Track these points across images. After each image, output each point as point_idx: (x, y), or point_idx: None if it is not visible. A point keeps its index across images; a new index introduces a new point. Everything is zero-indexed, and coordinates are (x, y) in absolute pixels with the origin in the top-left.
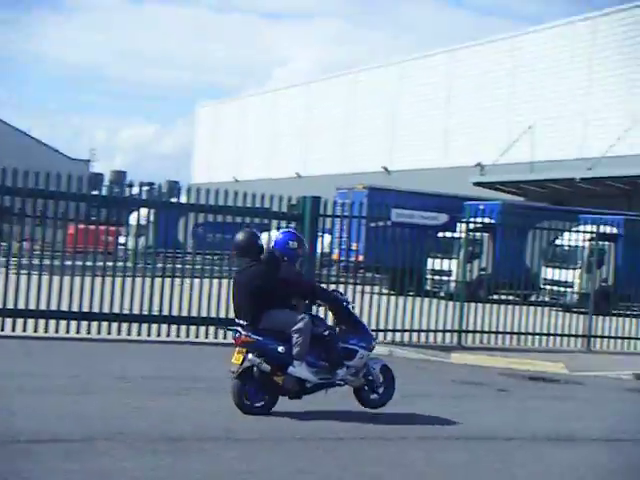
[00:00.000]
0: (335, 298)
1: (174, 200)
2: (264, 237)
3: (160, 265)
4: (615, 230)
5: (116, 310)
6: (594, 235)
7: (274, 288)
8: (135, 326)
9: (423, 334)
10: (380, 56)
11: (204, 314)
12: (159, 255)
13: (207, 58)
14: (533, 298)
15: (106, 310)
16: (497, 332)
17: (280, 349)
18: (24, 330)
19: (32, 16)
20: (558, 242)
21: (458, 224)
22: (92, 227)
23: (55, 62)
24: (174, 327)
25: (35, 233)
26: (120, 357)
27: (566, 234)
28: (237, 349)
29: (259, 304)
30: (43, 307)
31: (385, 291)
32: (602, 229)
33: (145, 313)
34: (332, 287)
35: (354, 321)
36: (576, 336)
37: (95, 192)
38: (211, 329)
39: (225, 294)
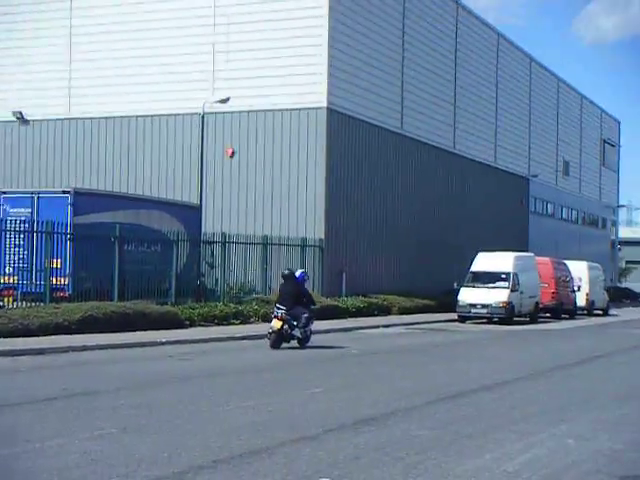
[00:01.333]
0: (313, 301)
1: None
2: None
3: None
4: None
5: None
6: None
7: (300, 294)
8: None
9: None
10: None
11: None
12: None
13: None
14: None
15: None
16: None
17: (294, 323)
18: None
19: None
20: None
21: None
22: None
23: None
24: None
25: None
26: None
27: None
28: (276, 320)
29: (293, 301)
30: None
31: None
32: None
33: None
34: None
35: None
36: None
37: None
38: None
39: None
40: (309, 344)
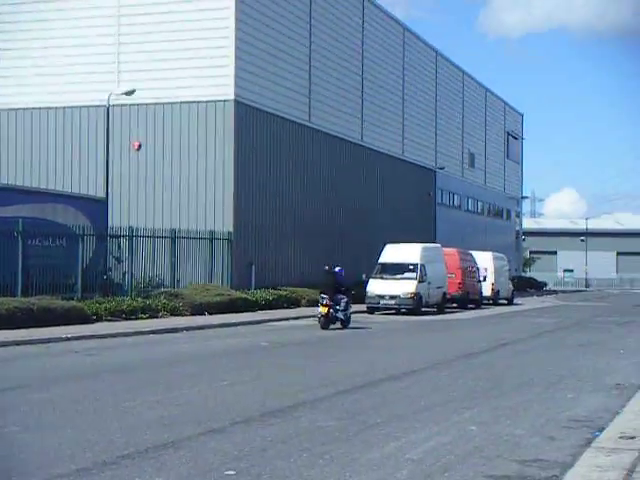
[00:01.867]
0: (349, 289)
1: None
2: None
3: None
4: None
5: None
6: None
7: (339, 285)
8: None
9: None
10: None
11: None
12: None
13: None
14: None
15: None
16: None
17: (337, 307)
18: None
19: None
20: None
21: None
22: None
23: None
24: None
25: None
26: None
27: None
28: (322, 307)
29: (333, 291)
30: None
31: None
32: None
33: None
34: None
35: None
36: None
37: None
38: None
39: None
40: (350, 325)
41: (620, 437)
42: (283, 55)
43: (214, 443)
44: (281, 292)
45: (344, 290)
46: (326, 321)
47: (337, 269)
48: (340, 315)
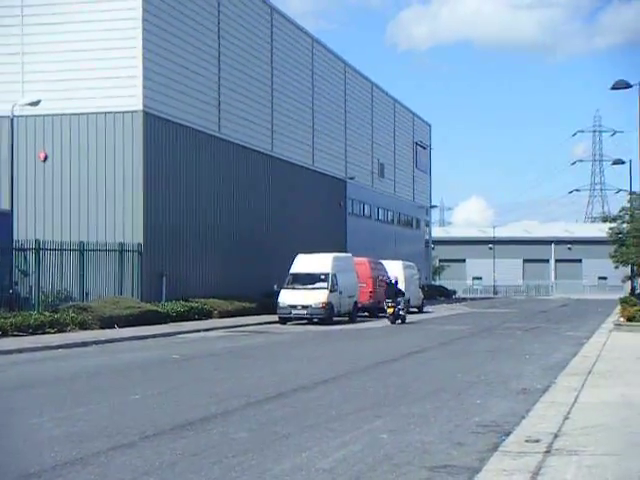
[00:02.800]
0: (403, 294)
1: None
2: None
3: None
4: None
5: None
6: None
7: (396, 292)
8: None
9: None
10: None
11: None
12: None
13: None
14: None
15: None
16: None
17: (398, 307)
18: None
19: None
20: None
21: None
22: None
23: None
24: None
25: None
26: None
27: None
28: (389, 308)
29: (394, 296)
30: None
31: None
32: None
33: None
34: None
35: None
36: None
37: None
38: None
39: None
40: (408, 321)
41: (526, 441)
42: (192, 66)
43: (124, 458)
44: (192, 304)
45: (401, 295)
46: (393, 318)
47: (394, 281)
48: (402, 313)
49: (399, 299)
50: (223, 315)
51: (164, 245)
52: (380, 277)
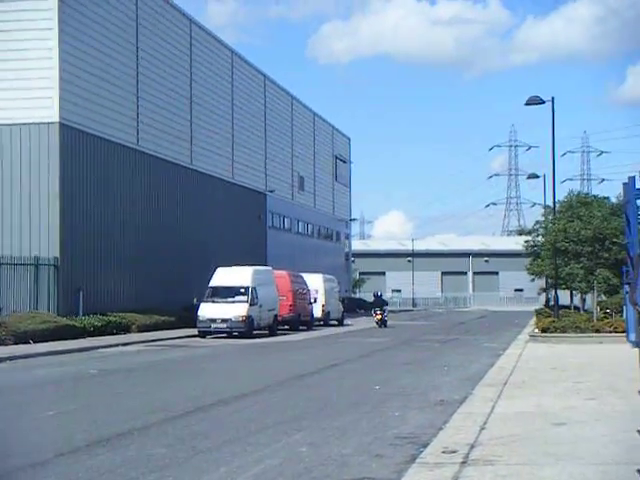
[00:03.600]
0: (387, 304)
1: None
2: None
3: None
4: None
5: None
6: None
7: (383, 302)
8: None
9: None
10: None
11: None
12: None
13: None
14: None
15: None
16: None
17: (384, 315)
18: None
19: None
20: None
21: None
22: None
23: None
24: None
25: None
26: None
27: None
28: (377, 315)
29: (382, 305)
30: None
31: None
32: None
33: None
34: None
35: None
36: None
37: None
38: None
39: None
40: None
41: (443, 452)
42: (110, 77)
43: (37, 477)
44: (110, 318)
45: (385, 305)
46: (380, 324)
47: (379, 294)
48: (386, 319)
49: (385, 307)
50: (142, 329)
51: (81, 259)
52: (300, 290)
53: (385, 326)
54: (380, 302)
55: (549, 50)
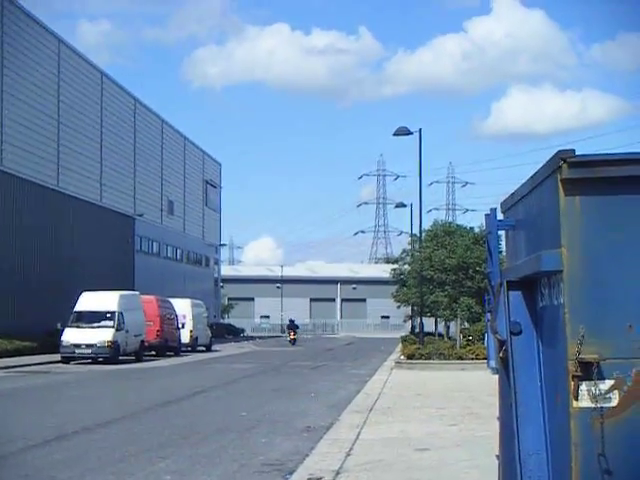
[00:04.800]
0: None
1: None
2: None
3: None
4: None
5: None
6: None
7: (295, 326)
8: None
9: None
10: None
11: None
12: None
13: None
14: None
15: None
16: None
17: (295, 336)
18: None
19: None
20: None
21: None
22: None
23: None
24: None
25: None
26: None
27: None
28: (291, 336)
29: (294, 328)
30: None
31: None
32: None
33: None
34: None
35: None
36: None
37: None
38: None
39: None
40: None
41: (309, 479)
42: None
43: None
44: None
45: (296, 328)
46: (293, 342)
47: (292, 320)
48: (295, 338)
49: (297, 330)
50: (1, 355)
51: None
52: (167, 316)
53: (293, 344)
54: (293, 326)
55: (418, 82)
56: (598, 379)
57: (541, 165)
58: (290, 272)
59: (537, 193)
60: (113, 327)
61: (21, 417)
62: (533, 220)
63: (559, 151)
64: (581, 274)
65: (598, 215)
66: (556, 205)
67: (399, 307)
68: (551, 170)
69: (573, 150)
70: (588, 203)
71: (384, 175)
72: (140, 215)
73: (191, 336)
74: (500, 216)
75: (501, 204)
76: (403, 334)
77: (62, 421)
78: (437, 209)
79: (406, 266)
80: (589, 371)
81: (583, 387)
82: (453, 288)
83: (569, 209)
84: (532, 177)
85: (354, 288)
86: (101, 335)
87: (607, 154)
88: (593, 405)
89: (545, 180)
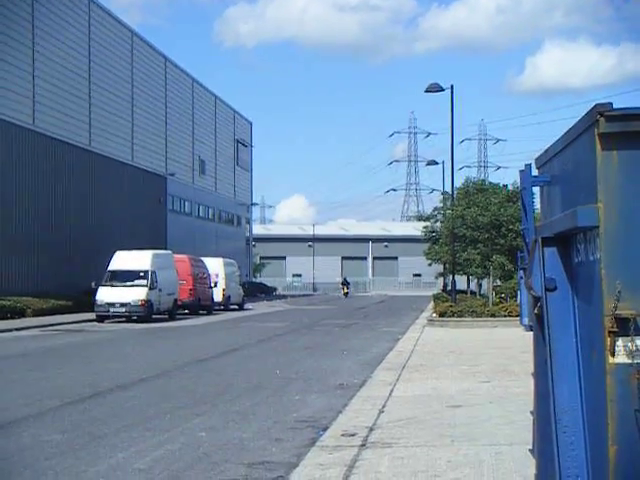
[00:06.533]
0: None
1: None
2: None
3: None
4: None
5: None
6: None
7: (348, 283)
8: None
9: None
10: None
11: None
12: None
13: None
14: None
15: None
16: None
17: (349, 291)
18: None
19: None
20: None
21: None
22: None
23: None
24: None
25: None
26: None
27: None
28: (344, 289)
29: (347, 285)
30: None
31: None
32: None
33: None
34: None
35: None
36: None
37: None
38: None
39: None
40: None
41: (342, 435)
42: (4, 55)
43: None
44: (4, 302)
45: (349, 284)
46: (346, 295)
47: (346, 278)
48: (347, 293)
49: (349, 286)
50: (38, 314)
51: None
52: (200, 274)
53: (347, 297)
54: (346, 282)
55: (451, 38)
56: (635, 335)
57: (577, 120)
58: (322, 231)
59: (573, 148)
60: (146, 286)
61: (57, 375)
62: (569, 176)
63: (596, 105)
64: (618, 230)
65: (636, 170)
66: (593, 160)
67: (430, 265)
68: (588, 124)
69: (610, 104)
70: (626, 158)
71: (415, 133)
72: (172, 174)
73: (224, 295)
74: (535, 172)
75: (536, 160)
76: (435, 292)
77: (97, 379)
78: (469, 166)
79: (438, 224)
80: (625, 327)
81: (619, 343)
82: (485, 246)
83: (606, 164)
84: (568, 132)
85: (386, 246)
86: (135, 294)
87: None
88: (629, 361)
89: (581, 135)
